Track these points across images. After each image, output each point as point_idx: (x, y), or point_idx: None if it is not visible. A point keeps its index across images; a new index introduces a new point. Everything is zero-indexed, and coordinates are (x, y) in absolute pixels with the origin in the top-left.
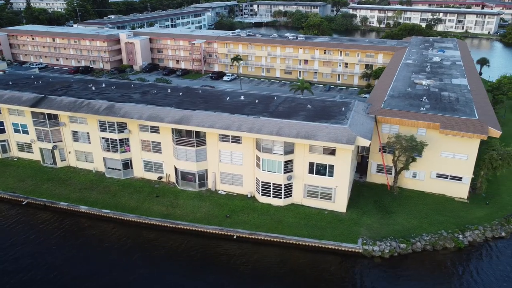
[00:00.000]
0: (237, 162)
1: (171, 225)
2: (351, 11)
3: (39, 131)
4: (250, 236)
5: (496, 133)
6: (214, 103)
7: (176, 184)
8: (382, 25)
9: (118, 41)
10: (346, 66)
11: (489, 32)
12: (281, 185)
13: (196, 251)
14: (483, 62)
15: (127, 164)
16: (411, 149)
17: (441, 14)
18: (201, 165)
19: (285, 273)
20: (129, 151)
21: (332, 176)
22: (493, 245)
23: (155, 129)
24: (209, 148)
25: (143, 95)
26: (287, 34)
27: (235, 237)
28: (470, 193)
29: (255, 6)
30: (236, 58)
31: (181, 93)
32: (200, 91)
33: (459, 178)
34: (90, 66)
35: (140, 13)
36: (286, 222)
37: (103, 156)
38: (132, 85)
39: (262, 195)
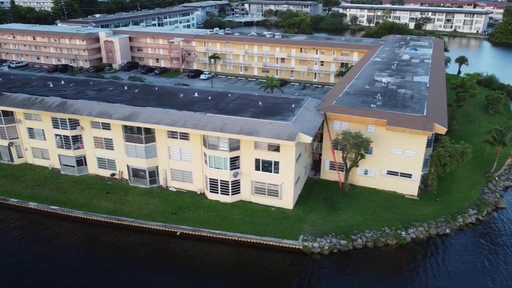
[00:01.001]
0: (186, 159)
1: (116, 222)
2: (341, 11)
3: None
4: (193, 233)
5: (442, 129)
6: (167, 100)
7: (129, 181)
8: (371, 24)
9: (97, 39)
10: (322, 65)
11: (477, 31)
12: (228, 181)
13: (138, 247)
14: (462, 60)
15: (81, 161)
16: (357, 146)
17: (429, 14)
18: (151, 161)
19: (224, 270)
20: (83, 148)
21: (278, 172)
22: (437, 242)
23: (106, 126)
24: (159, 145)
25: (99, 92)
26: (264, 33)
27: (178, 233)
28: (421, 190)
29: (246, 6)
30: (214, 57)
31: (136, 90)
32: (156, 88)
33: (408, 175)
34: (70, 64)
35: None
36: (231, 219)
37: (57, 153)
38: (91, 83)
39: (210, 192)
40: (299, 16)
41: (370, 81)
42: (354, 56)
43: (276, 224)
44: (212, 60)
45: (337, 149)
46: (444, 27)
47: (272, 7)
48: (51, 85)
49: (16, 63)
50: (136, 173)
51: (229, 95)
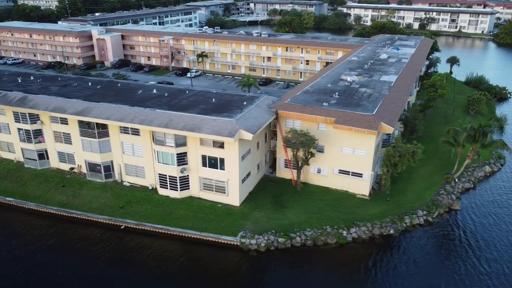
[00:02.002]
0: (139, 154)
1: (65, 214)
2: (345, 10)
3: None
4: (137, 227)
5: (388, 129)
6: (124, 96)
7: (86, 175)
8: None
9: (90, 37)
10: (308, 64)
11: (482, 32)
12: (176, 177)
13: (81, 240)
14: (453, 61)
15: (42, 155)
16: (303, 144)
17: (434, 14)
18: (106, 156)
19: (161, 264)
20: (44, 141)
21: (223, 169)
22: (379, 243)
23: (64, 121)
24: (112, 140)
25: (62, 88)
26: (252, 32)
27: (122, 227)
28: (374, 190)
29: (252, 5)
30: (202, 55)
31: (99, 86)
32: (119, 84)
33: (359, 175)
34: (64, 61)
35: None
36: (176, 214)
37: (20, 146)
38: (59, 78)
39: (160, 187)
40: (303, 15)
41: (335, 80)
42: (339, 55)
43: (219, 220)
44: (201, 59)
45: (289, 147)
46: (448, 27)
47: (277, 7)
48: (19, 81)
49: (12, 60)
50: (92, 167)
51: (187, 92)
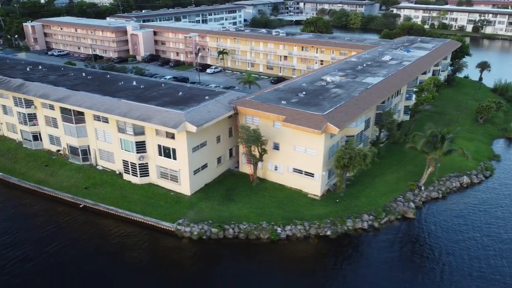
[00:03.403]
0: (109, 141)
1: (38, 190)
2: (395, 11)
3: None
4: (93, 206)
5: (334, 129)
6: (105, 87)
7: (68, 157)
8: (426, 26)
9: (125, 32)
10: (322, 63)
11: None
12: (136, 164)
13: (45, 214)
14: (484, 66)
15: (37, 137)
16: (247, 140)
17: (490, 16)
18: (83, 141)
19: (104, 241)
20: (37, 124)
21: (176, 159)
22: (312, 243)
23: (52, 106)
24: (88, 126)
25: (59, 77)
26: (273, 30)
27: (81, 206)
28: (330, 191)
29: (301, 4)
30: (222, 52)
31: (89, 77)
32: (108, 76)
33: (311, 175)
34: (102, 54)
35: (177, 8)
36: (130, 198)
37: (20, 128)
38: (62, 68)
39: (124, 172)
40: (350, 15)
41: (314, 79)
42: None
43: (166, 207)
44: (221, 56)
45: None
46: (506, 31)
47: (326, 6)
48: (27, 69)
49: (58, 52)
50: (73, 150)
51: (162, 85)
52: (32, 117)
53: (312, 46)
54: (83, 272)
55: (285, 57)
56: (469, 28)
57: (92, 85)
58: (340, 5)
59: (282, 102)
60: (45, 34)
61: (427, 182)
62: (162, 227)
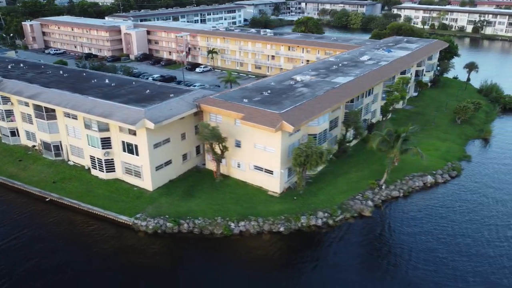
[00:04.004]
0: (78, 137)
1: (9, 184)
2: (395, 11)
3: None
4: (58, 200)
5: (289, 127)
6: (77, 84)
7: (42, 152)
8: (426, 27)
9: (119, 32)
10: (308, 63)
11: None
12: (102, 159)
13: (13, 206)
14: (471, 67)
15: (14, 132)
16: (205, 137)
17: (490, 16)
18: (55, 137)
19: (64, 233)
20: (15, 121)
21: (138, 155)
22: (265, 239)
23: (27, 103)
24: (59, 123)
25: (37, 74)
26: (261, 30)
27: (48, 199)
28: (290, 189)
29: (303, 4)
30: (212, 51)
31: (66, 75)
32: (84, 74)
33: (270, 172)
34: (97, 53)
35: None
36: (94, 193)
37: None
38: (42, 66)
39: (92, 167)
40: (350, 16)
41: (284, 78)
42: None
43: (127, 201)
44: (211, 55)
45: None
46: (506, 31)
47: (328, 6)
48: (9, 67)
49: (54, 50)
50: (47, 146)
51: (133, 83)
52: (10, 113)
53: (298, 46)
54: (39, 267)
55: (273, 56)
56: (469, 28)
57: (66, 83)
58: (341, 5)
59: (244, 100)
60: (44, 33)
61: (390, 181)
62: (121, 221)
